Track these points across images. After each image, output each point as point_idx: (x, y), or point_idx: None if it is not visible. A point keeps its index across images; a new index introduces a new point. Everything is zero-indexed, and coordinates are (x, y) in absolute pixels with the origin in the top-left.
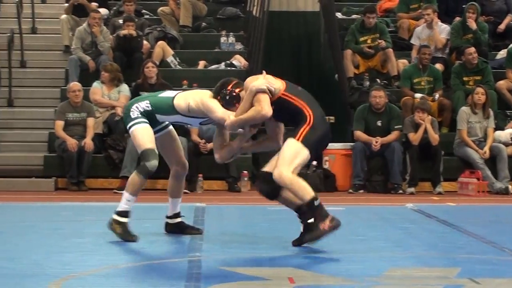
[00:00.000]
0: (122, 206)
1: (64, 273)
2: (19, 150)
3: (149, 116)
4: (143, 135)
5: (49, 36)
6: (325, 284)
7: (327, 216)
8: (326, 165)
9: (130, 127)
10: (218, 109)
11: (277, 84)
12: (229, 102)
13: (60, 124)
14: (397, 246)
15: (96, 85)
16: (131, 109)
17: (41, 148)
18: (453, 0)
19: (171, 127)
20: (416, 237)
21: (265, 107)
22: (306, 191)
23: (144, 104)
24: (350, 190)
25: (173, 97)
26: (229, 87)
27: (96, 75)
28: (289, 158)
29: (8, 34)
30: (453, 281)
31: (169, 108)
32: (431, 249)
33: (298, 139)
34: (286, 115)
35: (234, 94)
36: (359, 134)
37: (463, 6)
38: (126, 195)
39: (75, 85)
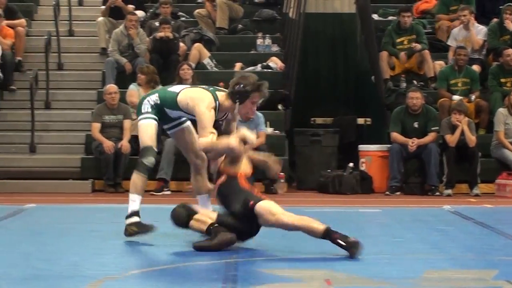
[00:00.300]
0: (130, 209)
1: (102, 274)
2: (56, 152)
3: (159, 110)
4: (145, 131)
5: (86, 38)
6: (362, 286)
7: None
8: (362, 167)
9: (139, 121)
10: (206, 124)
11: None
12: (240, 98)
13: (96, 126)
14: (434, 248)
15: (132, 87)
16: (143, 103)
17: (78, 150)
18: (490, 1)
19: (188, 122)
20: (453, 239)
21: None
22: None
23: (154, 97)
24: (387, 192)
25: (178, 93)
26: (241, 85)
27: (133, 77)
28: None
29: (46, 37)
30: (490, 283)
31: (173, 103)
32: (468, 251)
33: None
34: None
35: (245, 91)
36: (395, 135)
37: (500, 7)
38: (131, 196)
39: (111, 87)
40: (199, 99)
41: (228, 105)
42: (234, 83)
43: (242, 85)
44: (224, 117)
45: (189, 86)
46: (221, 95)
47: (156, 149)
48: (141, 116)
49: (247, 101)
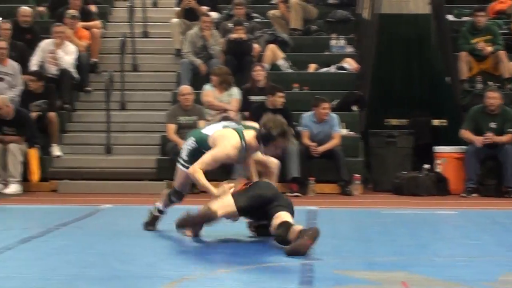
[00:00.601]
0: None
1: (177, 275)
2: (131, 153)
3: (198, 152)
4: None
5: (161, 40)
6: None
7: None
8: (438, 169)
9: (177, 163)
10: (207, 160)
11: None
12: (264, 140)
13: (172, 127)
14: (510, 251)
15: (208, 87)
16: (183, 147)
17: (153, 151)
18: None
19: None
20: None
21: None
22: None
23: (190, 142)
24: (463, 194)
25: (209, 135)
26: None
27: (207, 79)
28: None
29: (121, 38)
30: None
31: (207, 144)
32: None
33: None
34: None
35: (270, 135)
36: (464, 132)
37: None
38: (158, 204)
39: (185, 88)
40: (224, 137)
41: (254, 145)
42: (262, 125)
43: (268, 129)
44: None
45: (220, 126)
46: (249, 135)
47: (183, 193)
48: (180, 161)
49: (271, 145)
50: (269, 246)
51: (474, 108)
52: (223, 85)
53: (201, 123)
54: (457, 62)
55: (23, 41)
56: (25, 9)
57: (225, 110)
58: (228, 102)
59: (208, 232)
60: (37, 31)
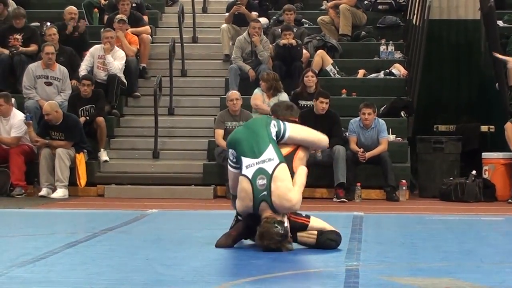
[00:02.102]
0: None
1: (223, 280)
2: (179, 158)
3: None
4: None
5: (210, 45)
6: None
7: None
8: (485, 175)
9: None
10: None
11: None
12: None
13: (220, 132)
14: None
15: (257, 91)
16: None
17: (200, 156)
18: None
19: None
20: None
21: None
22: None
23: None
24: (510, 200)
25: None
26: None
27: (256, 84)
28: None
29: (170, 44)
30: None
31: None
32: None
33: None
34: None
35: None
36: (509, 124)
37: None
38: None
39: (233, 93)
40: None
41: None
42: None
43: None
44: None
45: None
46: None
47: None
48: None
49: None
50: (312, 252)
51: None
52: (271, 91)
53: None
54: (505, 68)
55: (71, 41)
56: (71, 7)
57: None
58: None
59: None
60: (84, 30)
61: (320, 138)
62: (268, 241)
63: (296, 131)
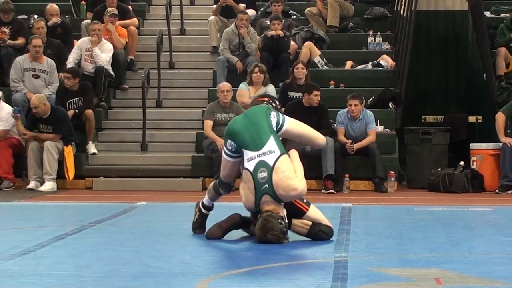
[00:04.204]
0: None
1: (212, 272)
2: (167, 151)
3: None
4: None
5: (198, 37)
6: (472, 285)
7: None
8: (473, 166)
9: None
10: None
11: None
12: None
13: (209, 123)
14: None
15: (243, 86)
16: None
17: (189, 148)
18: None
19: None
20: None
21: None
22: None
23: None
24: (497, 191)
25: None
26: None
27: (244, 76)
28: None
29: (157, 36)
30: None
31: None
32: None
33: None
34: None
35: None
36: (499, 115)
37: None
38: (206, 197)
39: (224, 85)
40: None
41: None
42: None
43: None
44: None
45: None
46: None
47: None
48: None
49: None
50: (301, 244)
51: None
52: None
53: None
54: (493, 59)
55: (54, 36)
56: (52, 6)
57: None
58: None
59: (240, 230)
60: (68, 24)
61: (317, 135)
62: (271, 235)
63: (294, 125)
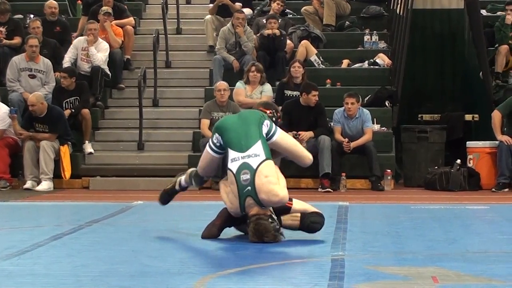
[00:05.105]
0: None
1: (210, 271)
2: (164, 150)
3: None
4: None
5: (194, 36)
6: (469, 283)
7: None
8: (470, 164)
9: None
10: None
11: None
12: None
13: (206, 122)
14: None
15: (239, 85)
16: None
17: (185, 147)
18: None
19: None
20: None
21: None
22: None
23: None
24: (493, 189)
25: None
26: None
27: (240, 75)
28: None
29: (154, 35)
30: None
31: None
32: None
33: None
34: None
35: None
36: (495, 113)
37: None
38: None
39: (221, 84)
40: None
41: None
42: None
43: None
44: None
45: None
46: None
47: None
48: None
49: None
50: (298, 242)
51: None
52: (255, 82)
53: None
54: (489, 56)
55: (52, 35)
56: (51, 1)
57: None
58: (259, 99)
59: (235, 230)
60: (65, 23)
61: (305, 153)
62: (267, 237)
63: (284, 138)
